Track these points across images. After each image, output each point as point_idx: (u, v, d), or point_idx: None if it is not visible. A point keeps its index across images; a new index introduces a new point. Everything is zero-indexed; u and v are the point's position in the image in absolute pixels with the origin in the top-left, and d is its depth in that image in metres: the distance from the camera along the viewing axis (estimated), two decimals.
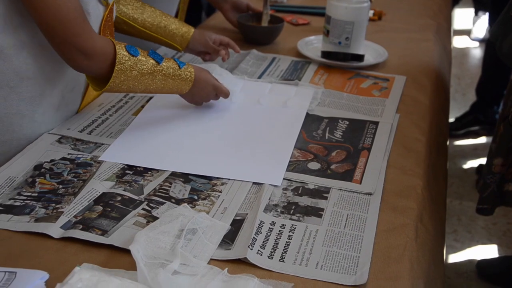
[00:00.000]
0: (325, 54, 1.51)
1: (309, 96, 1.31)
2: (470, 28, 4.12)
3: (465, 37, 4.11)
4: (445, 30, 1.92)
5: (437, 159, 1.18)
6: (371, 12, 1.87)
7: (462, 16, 4.49)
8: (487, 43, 2.76)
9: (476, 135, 2.81)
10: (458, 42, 4.06)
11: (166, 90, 1.11)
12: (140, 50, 1.05)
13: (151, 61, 1.06)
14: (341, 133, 1.16)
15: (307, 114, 1.23)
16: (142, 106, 1.22)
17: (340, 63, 1.49)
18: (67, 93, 1.13)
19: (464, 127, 2.80)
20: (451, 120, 2.84)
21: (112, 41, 1.02)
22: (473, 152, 2.70)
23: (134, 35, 1.33)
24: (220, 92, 1.20)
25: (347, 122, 1.20)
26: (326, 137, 1.14)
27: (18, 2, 0.96)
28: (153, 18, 1.32)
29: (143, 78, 1.05)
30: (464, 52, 3.95)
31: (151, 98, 1.26)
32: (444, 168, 1.28)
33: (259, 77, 1.42)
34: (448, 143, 1.42)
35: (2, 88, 1.00)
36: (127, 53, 1.02)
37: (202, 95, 1.19)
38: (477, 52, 3.94)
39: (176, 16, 1.74)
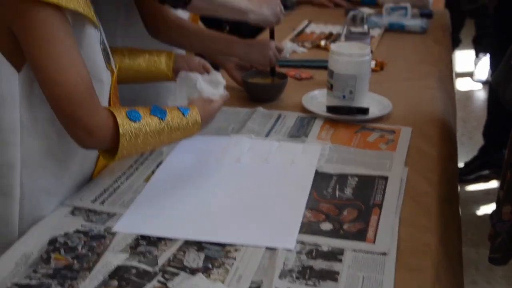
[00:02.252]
0: (330, 109, 1.53)
1: (317, 152, 1.32)
2: (472, 70, 4.16)
3: (468, 79, 4.14)
4: (448, 76, 1.94)
5: (449, 211, 1.18)
6: (373, 62, 1.89)
7: (464, 58, 4.54)
8: (490, 86, 2.77)
9: (487, 179, 2.79)
10: (461, 84, 4.09)
11: (176, 140, 1.15)
12: (141, 112, 1.06)
13: (155, 119, 1.07)
14: (351, 190, 1.16)
15: (316, 171, 1.24)
16: (153, 172, 1.23)
17: (346, 117, 1.50)
18: (85, 163, 1.15)
19: (474, 172, 2.78)
20: (460, 165, 2.84)
21: (112, 113, 1.02)
22: (485, 197, 2.68)
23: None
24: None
25: (357, 179, 1.21)
26: (337, 195, 1.15)
27: None
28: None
29: (151, 139, 1.07)
30: (468, 94, 3.97)
31: (161, 162, 1.27)
32: (457, 219, 1.27)
33: (266, 135, 1.43)
34: (459, 189, 1.42)
35: (28, 167, 1.02)
36: (128, 122, 1.03)
37: (209, 122, 1.26)
38: (481, 94, 3.96)
39: None
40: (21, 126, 0.99)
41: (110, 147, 1.04)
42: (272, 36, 1.66)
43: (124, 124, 1.02)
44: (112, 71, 1.16)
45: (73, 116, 0.97)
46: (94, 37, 1.06)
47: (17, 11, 0.93)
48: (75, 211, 1.09)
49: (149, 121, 1.06)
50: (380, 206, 1.10)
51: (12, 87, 0.97)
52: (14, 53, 0.97)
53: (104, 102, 1.13)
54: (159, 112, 1.08)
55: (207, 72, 1.42)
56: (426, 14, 2.67)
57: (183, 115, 1.13)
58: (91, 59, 1.05)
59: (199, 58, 1.46)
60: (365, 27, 1.75)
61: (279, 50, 1.65)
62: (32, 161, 1.02)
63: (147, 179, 1.20)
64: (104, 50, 1.12)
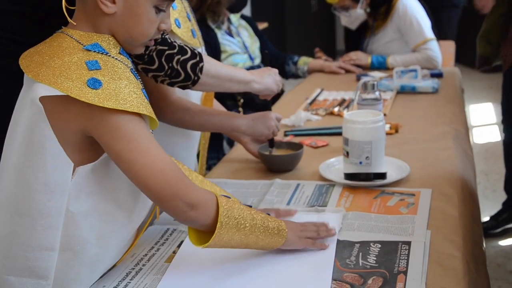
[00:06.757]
0: (348, 176, 1.53)
1: (337, 221, 1.31)
2: (489, 123, 4.16)
3: (485, 131, 4.13)
4: (463, 135, 1.94)
5: (476, 274, 1.16)
6: (387, 126, 1.91)
7: (480, 111, 4.55)
8: (505, 142, 2.75)
9: None
10: (480, 137, 4.08)
11: (260, 242, 1.13)
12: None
13: (244, 206, 1.12)
14: (375, 258, 1.15)
15: (338, 240, 1.23)
16: (174, 252, 1.23)
17: (364, 183, 1.50)
18: (117, 255, 1.17)
19: (500, 225, 2.74)
20: (486, 219, 2.79)
21: (209, 191, 1.09)
22: None
23: None
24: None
25: (379, 245, 1.20)
26: (360, 264, 1.13)
27: (92, 171, 1.03)
28: None
29: (242, 223, 1.09)
30: (487, 146, 3.95)
31: (181, 242, 1.27)
32: (485, 279, 1.25)
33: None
34: (486, 244, 1.39)
35: (66, 251, 1.04)
36: (224, 199, 1.09)
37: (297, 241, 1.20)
38: (500, 145, 3.93)
39: (198, 154, 1.80)
40: (65, 214, 1.02)
41: (211, 223, 1.07)
42: (269, 107, 1.70)
43: (222, 201, 1.07)
44: None
45: (175, 194, 1.03)
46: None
47: (96, 118, 1.00)
48: None
49: (239, 203, 1.12)
50: (405, 273, 1.08)
51: (65, 177, 1.01)
52: (72, 149, 1.02)
53: None
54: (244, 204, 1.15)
55: None
56: (436, 74, 2.70)
57: (269, 214, 1.17)
58: None
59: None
60: (377, 93, 1.77)
61: (279, 120, 1.69)
62: (71, 248, 1.04)
63: (169, 260, 1.20)
64: None
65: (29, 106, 1.00)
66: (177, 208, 1.03)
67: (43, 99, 0.98)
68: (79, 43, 1.03)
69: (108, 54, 1.04)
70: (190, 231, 1.11)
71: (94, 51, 1.02)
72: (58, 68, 0.99)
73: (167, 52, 1.37)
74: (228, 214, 1.07)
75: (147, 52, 1.35)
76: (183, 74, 1.39)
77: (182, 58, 1.38)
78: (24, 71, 1.02)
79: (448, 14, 3.77)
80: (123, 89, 1.01)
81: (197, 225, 1.08)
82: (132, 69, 1.08)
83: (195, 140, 1.75)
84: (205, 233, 1.09)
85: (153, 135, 1.06)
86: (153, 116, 1.07)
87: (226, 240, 1.08)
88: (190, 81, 1.41)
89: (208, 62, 1.44)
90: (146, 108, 1.05)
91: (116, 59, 1.04)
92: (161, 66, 1.37)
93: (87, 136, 1.02)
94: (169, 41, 1.38)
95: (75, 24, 1.05)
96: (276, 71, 1.62)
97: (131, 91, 1.02)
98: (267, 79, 1.58)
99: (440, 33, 3.20)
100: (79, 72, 0.99)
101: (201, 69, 1.41)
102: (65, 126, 1.00)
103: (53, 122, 0.99)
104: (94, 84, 0.98)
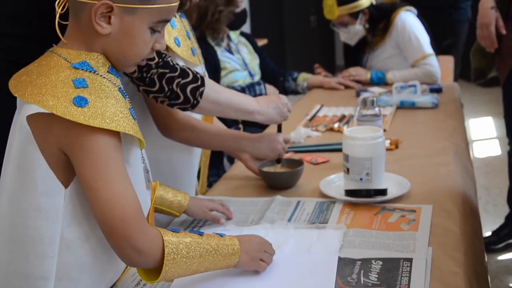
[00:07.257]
0: (348, 193, 1.53)
1: (337, 238, 1.31)
2: (489, 137, 4.16)
3: (486, 146, 4.13)
4: (463, 150, 1.94)
5: None
6: (388, 141, 1.91)
7: (480, 125, 4.55)
8: (510, 153, 2.75)
9: None
10: (480, 151, 4.08)
11: (216, 264, 1.09)
12: (181, 230, 1.07)
13: (194, 235, 1.07)
14: (376, 275, 1.14)
15: (339, 258, 1.22)
16: None
17: (364, 199, 1.50)
18: (114, 276, 1.15)
19: (502, 240, 2.72)
20: (488, 234, 2.78)
21: (160, 232, 1.02)
22: None
23: None
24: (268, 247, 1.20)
25: (381, 263, 1.19)
26: (362, 282, 1.13)
27: (83, 196, 1.00)
28: None
29: (192, 257, 1.04)
30: (487, 161, 3.95)
31: None
32: None
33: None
34: (487, 259, 1.39)
35: (61, 280, 1.02)
36: (171, 236, 1.02)
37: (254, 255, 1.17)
38: (500, 160, 3.94)
39: (199, 171, 1.80)
40: (60, 240, 1.00)
41: (157, 266, 1.02)
42: (279, 129, 1.71)
43: (169, 241, 1.01)
44: (153, 189, 1.20)
45: (125, 236, 0.97)
46: (138, 156, 1.10)
47: (74, 137, 0.97)
48: None
49: (187, 235, 1.06)
50: None
51: (56, 202, 0.99)
52: (62, 171, 1.00)
53: None
54: (196, 231, 1.09)
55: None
56: (436, 89, 2.71)
57: (221, 236, 1.12)
58: (134, 177, 1.06)
59: (212, 205, 1.47)
60: (376, 109, 1.78)
61: (287, 142, 1.69)
62: (66, 275, 1.02)
63: (171, 279, 1.19)
64: (144, 169, 1.15)
65: (18, 129, 0.99)
66: (124, 250, 0.98)
67: (30, 119, 0.97)
68: (67, 61, 1.01)
69: (96, 73, 1.01)
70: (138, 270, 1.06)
71: (82, 69, 1.00)
72: (44, 86, 0.97)
73: (168, 75, 1.38)
74: (174, 256, 1.01)
75: (148, 75, 1.36)
76: (182, 97, 1.40)
77: (182, 82, 1.39)
78: (11, 91, 1.00)
79: (464, 28, 3.77)
80: (109, 108, 0.99)
81: (141, 267, 1.04)
82: (120, 88, 1.05)
83: (197, 157, 1.75)
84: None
85: (125, 166, 1.01)
86: (139, 136, 1.05)
87: (175, 276, 1.04)
88: (189, 104, 1.42)
89: (210, 88, 1.44)
90: (132, 128, 1.02)
91: (104, 77, 1.02)
92: (161, 88, 1.38)
93: (67, 156, 0.99)
94: (171, 64, 1.39)
95: (66, 42, 1.04)
96: (285, 101, 1.63)
97: (117, 110, 1.00)
98: (271, 111, 1.59)
99: (457, 47, 3.22)
100: (65, 90, 0.97)
101: (201, 94, 1.41)
102: (51, 147, 0.98)
103: (41, 143, 0.98)
104: (80, 102, 0.96)
